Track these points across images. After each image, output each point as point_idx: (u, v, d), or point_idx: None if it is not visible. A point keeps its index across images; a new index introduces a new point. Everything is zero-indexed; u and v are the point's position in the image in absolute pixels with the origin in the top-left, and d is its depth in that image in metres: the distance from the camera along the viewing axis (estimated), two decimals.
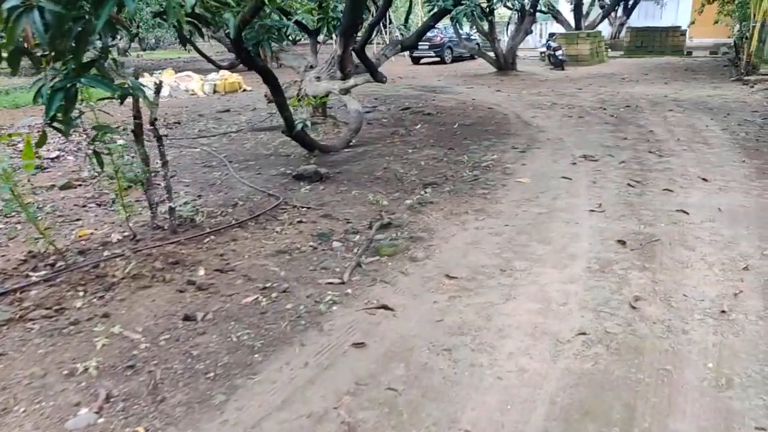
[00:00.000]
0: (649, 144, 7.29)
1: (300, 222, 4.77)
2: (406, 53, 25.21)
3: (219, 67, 14.99)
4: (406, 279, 3.65)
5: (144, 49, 33.95)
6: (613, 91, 12.71)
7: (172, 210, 4.49)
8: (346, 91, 8.57)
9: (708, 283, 3.42)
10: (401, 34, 9.14)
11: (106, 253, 4.09)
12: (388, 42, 9.12)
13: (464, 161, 6.67)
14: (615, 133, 8.06)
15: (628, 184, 5.47)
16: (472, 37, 23.84)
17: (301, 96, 9.38)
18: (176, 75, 15.61)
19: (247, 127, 9.65)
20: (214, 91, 14.51)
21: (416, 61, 23.99)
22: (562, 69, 18.23)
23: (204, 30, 5.00)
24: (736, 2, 18.37)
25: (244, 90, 15.18)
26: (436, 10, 8.94)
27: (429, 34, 24.33)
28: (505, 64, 17.62)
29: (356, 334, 3.02)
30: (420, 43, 24.21)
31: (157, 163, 4.70)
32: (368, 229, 4.55)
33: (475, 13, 8.08)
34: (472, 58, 22.99)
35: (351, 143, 7.71)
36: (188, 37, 7.93)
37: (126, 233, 4.45)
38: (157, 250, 4.07)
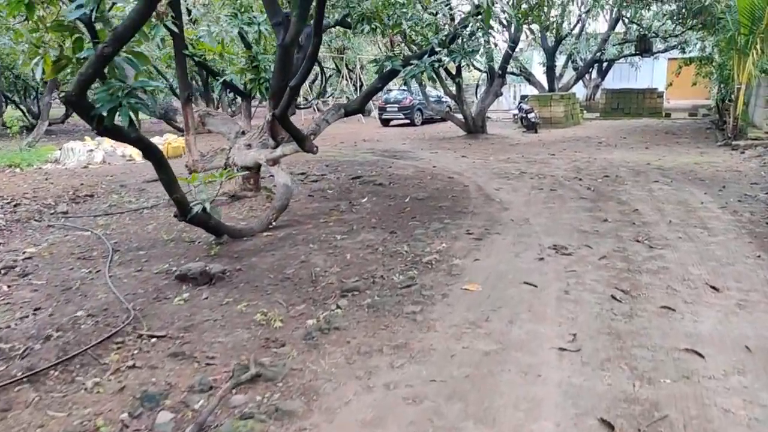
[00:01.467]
0: (636, 228, 5.91)
1: (132, 367, 3.21)
2: (376, 115, 24.29)
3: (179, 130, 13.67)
4: None
5: None
6: (590, 157, 11.51)
7: None
8: (274, 162, 7.18)
9: None
10: (347, 97, 7.83)
11: None
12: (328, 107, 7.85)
13: (403, 253, 5.20)
14: (593, 212, 6.70)
15: (613, 296, 4.01)
16: (443, 99, 23.00)
17: (229, 166, 8.00)
18: None
19: (164, 203, 8.16)
20: None
21: (385, 123, 23.01)
22: (536, 132, 17.21)
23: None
24: (714, 64, 17.72)
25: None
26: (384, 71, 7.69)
27: (398, 96, 23.50)
28: (475, 127, 16.55)
29: None
30: (389, 105, 23.34)
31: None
32: (230, 380, 3.01)
33: (426, 74, 6.81)
34: (443, 120, 22.06)
35: (273, 224, 6.24)
36: None
37: None
38: None
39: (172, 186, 4.98)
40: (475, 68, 19.22)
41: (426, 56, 7.23)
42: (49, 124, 24.44)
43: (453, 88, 16.77)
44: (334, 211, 7.27)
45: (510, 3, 10.89)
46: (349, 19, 7.95)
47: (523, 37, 27.96)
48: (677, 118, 21.11)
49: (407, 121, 22.51)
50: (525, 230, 5.95)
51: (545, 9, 10.20)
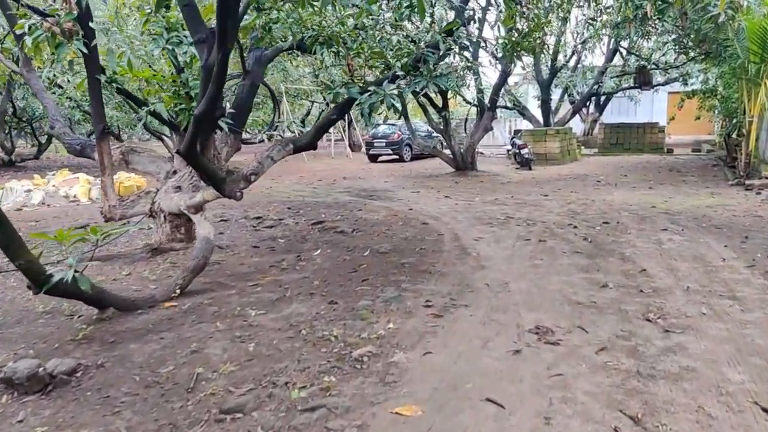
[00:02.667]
0: (644, 299, 4.57)
1: None
2: (363, 150, 23.17)
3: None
4: None
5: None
6: (587, 198, 10.22)
7: None
8: (196, 209, 5.88)
9: None
10: (299, 131, 6.60)
11: None
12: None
13: (332, 339, 3.84)
14: (589, 273, 5.36)
15: (616, 430, 2.65)
16: (434, 134, 21.90)
17: (155, 212, 6.71)
18: (69, 176, 12.99)
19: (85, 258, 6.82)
20: None
21: (373, 159, 21.87)
22: (529, 169, 16.00)
23: None
24: (718, 96, 16.61)
25: (148, 192, 12.51)
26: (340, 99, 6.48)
27: (386, 130, 22.38)
28: (464, 164, 15.34)
29: None
30: (376, 141, 22.18)
31: None
32: None
33: (386, 103, 5.57)
34: (433, 156, 20.93)
35: (177, 292, 4.89)
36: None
37: None
38: None
39: (14, 250, 3.65)
40: (466, 101, 18.18)
41: (387, 82, 6.02)
42: (22, 160, 23.44)
43: (441, 122, 15.62)
44: (274, 268, 5.95)
45: (497, 27, 9.78)
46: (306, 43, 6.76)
47: (518, 70, 27.08)
48: (680, 154, 19.95)
49: (396, 156, 21.38)
50: (501, 301, 4.60)
51: (539, 35, 9.03)
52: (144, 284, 5.47)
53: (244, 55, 7.11)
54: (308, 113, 30.58)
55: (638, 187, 11.62)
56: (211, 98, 4.26)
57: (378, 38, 6.77)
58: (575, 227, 7.57)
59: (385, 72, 6.63)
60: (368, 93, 5.88)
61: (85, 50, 5.45)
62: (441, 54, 6.06)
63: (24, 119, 23.09)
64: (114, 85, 6.47)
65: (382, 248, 6.57)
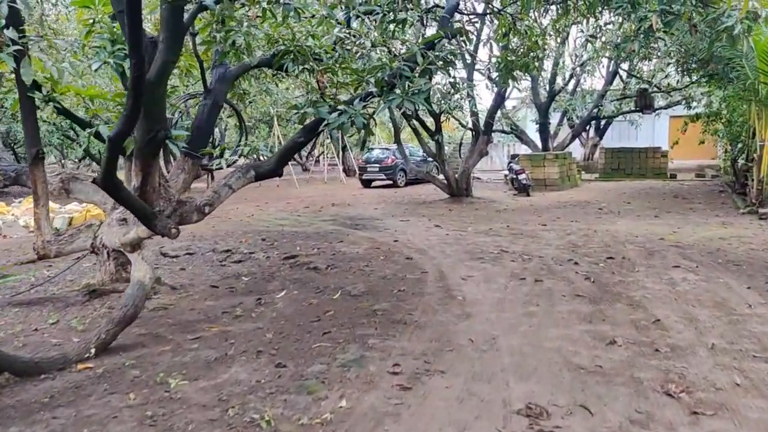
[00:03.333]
0: (661, 361, 3.73)
1: None
2: (356, 175, 22.44)
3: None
4: None
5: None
6: (588, 228, 9.41)
7: None
8: (133, 248, 5.07)
9: None
10: (262, 156, 5.87)
11: None
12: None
13: (262, 427, 3.00)
14: (593, 324, 4.52)
15: None
16: (430, 159, 21.22)
17: (97, 248, 5.90)
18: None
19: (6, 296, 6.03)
20: (69, 225, 11.01)
21: (366, 184, 21.10)
22: (527, 195, 15.22)
23: None
24: (723, 120, 15.91)
25: (90, 225, 11.73)
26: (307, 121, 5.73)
27: (380, 155, 21.65)
28: (458, 190, 14.56)
29: None
30: (370, 165, 21.41)
31: None
32: None
33: (356, 124, 4.81)
34: (429, 181, 20.19)
35: (91, 352, 4.05)
36: None
37: None
38: None
39: None
40: (462, 125, 17.51)
41: (358, 100, 5.28)
42: (4, 186, 22.70)
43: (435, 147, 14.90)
44: (227, 315, 5.12)
45: (489, 45, 9.09)
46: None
47: (515, 93, 26.52)
48: (684, 180, 19.20)
49: (390, 182, 20.61)
50: (486, 364, 3.76)
51: (534, 53, 8.33)
52: (68, 336, 4.63)
53: (205, 72, 6.41)
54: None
55: (643, 216, 10.81)
56: (127, 117, 3.47)
57: (357, 54, 6.04)
58: (576, 263, 6.75)
59: (360, 90, 5.89)
60: (337, 112, 5.14)
61: (13, 64, 4.71)
62: (421, 69, 5.30)
63: (7, 144, 22.42)
64: (51, 104, 5.70)
65: (355, 289, 5.74)
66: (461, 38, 6.29)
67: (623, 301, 5.15)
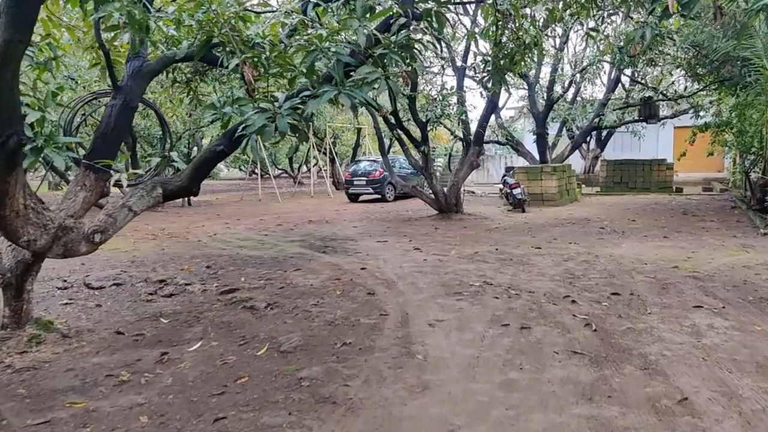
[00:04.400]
0: None
1: None
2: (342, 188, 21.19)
3: None
4: None
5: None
6: (589, 252, 8.14)
7: None
8: None
9: None
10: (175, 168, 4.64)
11: None
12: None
13: None
14: (595, 405, 3.25)
15: None
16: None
17: None
18: None
19: None
20: None
21: (353, 198, 19.86)
22: (523, 211, 13.98)
23: None
24: (734, 130, 14.68)
25: None
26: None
27: (368, 167, 20.39)
28: (447, 206, 13.31)
29: None
30: (356, 178, 20.14)
31: None
32: None
33: (279, 127, 3.59)
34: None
35: None
36: None
37: None
38: None
39: None
40: (453, 135, 16.33)
41: (284, 98, 4.06)
42: None
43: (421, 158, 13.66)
44: (110, 379, 3.87)
45: (475, 42, 7.89)
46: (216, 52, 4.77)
47: (512, 102, 25.31)
48: (691, 194, 17.98)
49: (377, 195, 19.36)
50: None
51: (528, 47, 7.09)
52: None
53: (113, 65, 5.20)
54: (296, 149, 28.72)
55: (650, 236, 9.56)
56: None
57: (311, 48, 4.83)
58: (574, 301, 5.48)
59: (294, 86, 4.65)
60: (256, 112, 3.92)
61: None
62: (369, 57, 4.08)
63: None
64: None
65: (288, 342, 4.47)
66: (434, 25, 5.06)
67: (635, 362, 3.87)
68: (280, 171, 42.47)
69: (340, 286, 6.42)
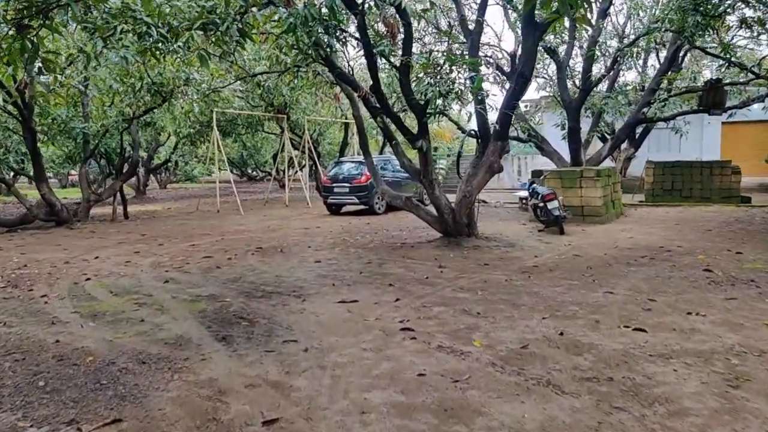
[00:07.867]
0: None
1: None
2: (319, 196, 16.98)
3: None
4: None
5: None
6: (737, 335, 3.99)
7: None
8: None
9: None
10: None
11: None
12: None
13: None
14: None
15: None
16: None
17: None
18: None
19: None
20: None
21: (334, 209, 15.74)
22: (561, 232, 9.86)
23: None
24: None
25: None
26: None
27: (352, 170, 16.14)
28: (456, 226, 9.20)
29: None
30: (337, 185, 15.82)
31: None
32: None
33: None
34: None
35: None
36: None
37: None
38: None
39: None
40: (460, 129, 12.26)
41: None
42: None
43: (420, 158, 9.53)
44: None
45: None
46: None
47: (529, 94, 21.11)
48: (764, 205, 13.84)
49: (364, 206, 15.20)
50: None
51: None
52: None
53: None
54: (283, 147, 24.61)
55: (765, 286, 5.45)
56: None
57: None
58: None
59: None
60: None
61: None
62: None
63: None
64: None
65: None
66: None
67: None
68: (263, 174, 38.40)
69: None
